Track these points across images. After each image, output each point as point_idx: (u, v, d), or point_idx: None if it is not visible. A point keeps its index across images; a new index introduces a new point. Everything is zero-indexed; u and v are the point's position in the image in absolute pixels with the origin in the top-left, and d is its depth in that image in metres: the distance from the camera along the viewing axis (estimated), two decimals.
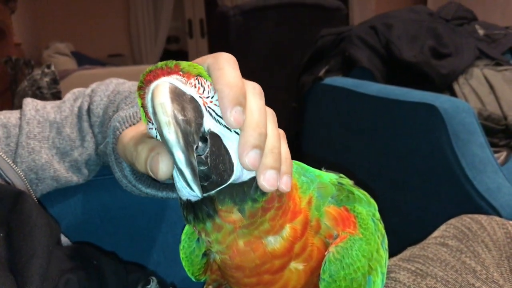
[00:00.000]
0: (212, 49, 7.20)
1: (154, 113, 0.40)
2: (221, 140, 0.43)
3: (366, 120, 1.78)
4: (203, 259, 0.58)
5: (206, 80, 0.44)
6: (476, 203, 1.33)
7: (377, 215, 0.58)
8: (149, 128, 0.45)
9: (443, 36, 2.08)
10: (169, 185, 0.67)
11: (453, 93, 1.94)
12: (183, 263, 0.59)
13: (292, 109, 2.53)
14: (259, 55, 3.13)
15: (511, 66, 2.10)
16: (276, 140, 0.45)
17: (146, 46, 6.91)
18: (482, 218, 0.97)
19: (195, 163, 0.40)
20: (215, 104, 0.43)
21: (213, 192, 0.44)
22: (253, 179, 0.44)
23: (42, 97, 2.29)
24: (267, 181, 0.43)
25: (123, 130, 0.62)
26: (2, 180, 0.70)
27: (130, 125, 0.62)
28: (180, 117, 0.39)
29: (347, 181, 0.59)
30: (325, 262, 0.50)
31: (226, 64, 0.44)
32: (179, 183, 0.44)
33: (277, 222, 0.46)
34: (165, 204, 0.91)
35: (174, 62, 0.43)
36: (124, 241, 0.87)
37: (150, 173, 0.44)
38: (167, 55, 7.19)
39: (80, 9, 6.32)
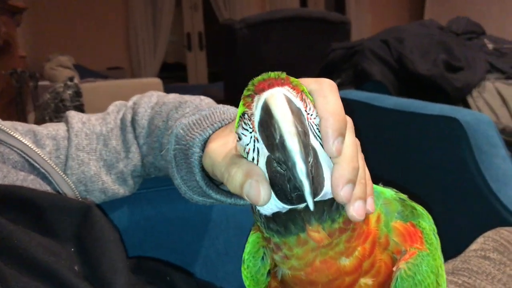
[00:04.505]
0: (212, 62, 7.24)
1: (269, 122, 0.40)
2: (318, 154, 0.43)
3: (384, 134, 1.78)
4: (267, 278, 0.58)
5: (307, 97, 0.44)
6: (501, 216, 1.34)
7: (436, 229, 0.59)
8: (243, 135, 0.45)
9: (455, 49, 2.11)
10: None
11: (467, 106, 1.96)
12: (247, 283, 0.58)
13: None
14: (266, 68, 3.13)
15: None
16: (363, 170, 0.47)
17: (145, 59, 6.93)
18: None
19: (311, 175, 0.40)
20: (313, 122, 0.44)
21: (302, 206, 0.44)
22: (333, 200, 0.44)
23: (65, 110, 2.28)
24: (356, 212, 0.44)
25: (190, 137, 0.63)
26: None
27: (198, 133, 0.63)
28: (299, 128, 0.40)
29: (405, 196, 0.59)
30: (397, 279, 0.49)
31: (330, 93, 0.45)
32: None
33: (351, 244, 0.47)
34: (207, 218, 0.90)
35: (285, 73, 0.43)
36: (166, 254, 0.86)
37: (246, 198, 0.44)
38: (166, 68, 7.21)
39: (80, 22, 6.34)
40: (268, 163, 0.43)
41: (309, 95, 0.45)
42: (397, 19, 6.80)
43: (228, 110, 0.68)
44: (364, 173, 0.48)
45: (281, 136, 0.39)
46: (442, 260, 0.58)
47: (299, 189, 0.42)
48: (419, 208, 0.58)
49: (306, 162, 0.39)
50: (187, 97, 0.80)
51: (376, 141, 1.85)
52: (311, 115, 0.44)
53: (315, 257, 0.46)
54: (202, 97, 0.78)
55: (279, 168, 0.42)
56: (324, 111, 0.44)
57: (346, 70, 2.28)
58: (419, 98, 1.74)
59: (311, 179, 0.39)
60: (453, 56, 2.08)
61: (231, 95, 3.37)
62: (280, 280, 0.53)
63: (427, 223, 0.56)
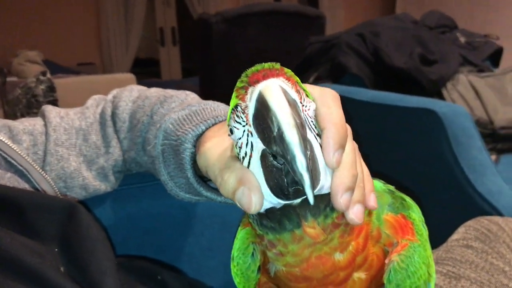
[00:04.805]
0: (186, 58, 7.17)
1: (266, 114, 0.38)
2: (313, 147, 0.42)
3: (363, 127, 1.79)
4: (258, 274, 0.57)
5: (301, 88, 0.43)
6: (478, 206, 1.36)
7: (424, 220, 0.59)
8: (235, 128, 0.43)
9: (429, 43, 2.14)
10: None
11: (441, 99, 1.99)
12: (237, 280, 0.57)
13: None
14: (242, 62, 3.12)
15: (493, 73, 2.18)
16: (361, 172, 0.47)
17: (116, 54, 6.80)
18: (499, 219, 0.99)
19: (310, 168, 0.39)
20: (308, 114, 0.43)
21: (297, 201, 0.43)
22: (327, 195, 0.44)
23: (38, 106, 2.21)
24: (355, 215, 0.44)
25: (181, 132, 0.61)
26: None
27: (190, 128, 0.61)
28: (297, 120, 0.38)
29: (393, 188, 0.59)
30: (390, 271, 0.49)
31: (333, 103, 0.45)
32: (262, 189, 0.43)
33: (345, 239, 0.46)
34: (191, 214, 0.88)
35: (279, 64, 0.42)
36: (150, 251, 0.84)
37: (238, 204, 0.44)
38: (138, 63, 7.10)
39: (49, 16, 6.17)
40: (263, 157, 0.42)
41: (302, 85, 0.44)
42: (369, 15, 6.89)
43: (219, 107, 0.67)
44: (363, 175, 0.47)
45: (280, 129, 0.38)
46: (431, 250, 0.58)
47: (297, 183, 0.41)
48: (408, 199, 0.58)
49: (305, 154, 0.38)
50: (171, 92, 0.77)
51: (355, 134, 1.86)
52: (306, 106, 0.43)
53: (310, 253, 0.45)
54: (188, 92, 0.76)
55: (275, 162, 0.41)
56: (327, 122, 0.43)
57: (323, 64, 2.29)
58: (395, 91, 1.76)
59: (310, 172, 0.38)
60: (428, 49, 2.11)
61: (206, 90, 3.34)
62: (273, 276, 0.52)
63: (416, 214, 0.56)
